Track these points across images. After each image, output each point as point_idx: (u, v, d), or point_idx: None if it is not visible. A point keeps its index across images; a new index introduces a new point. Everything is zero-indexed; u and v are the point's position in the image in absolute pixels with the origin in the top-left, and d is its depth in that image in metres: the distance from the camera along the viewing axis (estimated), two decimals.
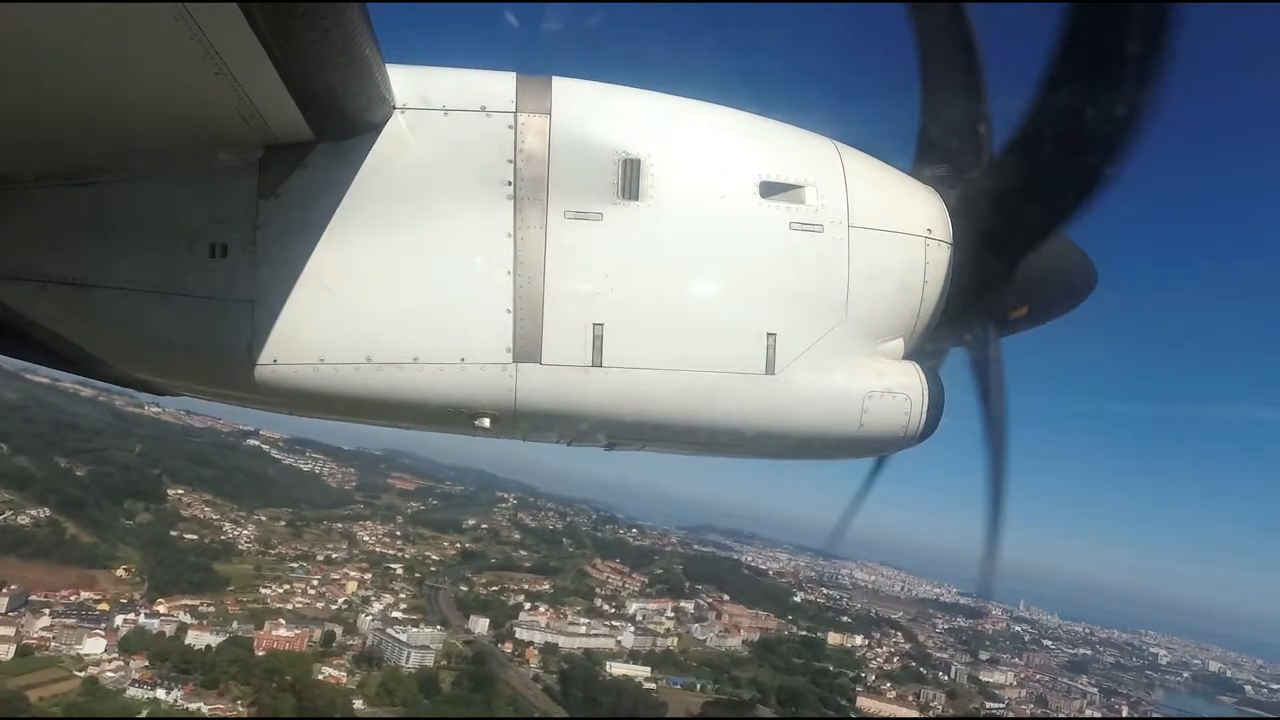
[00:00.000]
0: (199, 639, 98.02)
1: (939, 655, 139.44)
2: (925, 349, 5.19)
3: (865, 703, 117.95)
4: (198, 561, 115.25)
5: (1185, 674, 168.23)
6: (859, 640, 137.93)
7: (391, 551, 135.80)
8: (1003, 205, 5.03)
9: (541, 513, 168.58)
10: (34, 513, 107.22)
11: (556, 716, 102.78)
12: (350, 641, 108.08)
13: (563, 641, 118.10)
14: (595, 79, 4.79)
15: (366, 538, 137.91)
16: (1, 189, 4.32)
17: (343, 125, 4.23)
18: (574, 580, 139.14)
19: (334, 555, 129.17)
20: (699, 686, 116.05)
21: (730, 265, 4.64)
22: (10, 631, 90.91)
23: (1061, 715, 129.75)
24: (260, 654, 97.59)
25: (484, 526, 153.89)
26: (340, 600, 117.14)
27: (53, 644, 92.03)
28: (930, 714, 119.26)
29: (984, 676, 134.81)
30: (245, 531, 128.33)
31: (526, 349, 4.40)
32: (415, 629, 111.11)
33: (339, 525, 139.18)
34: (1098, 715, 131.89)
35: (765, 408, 4.68)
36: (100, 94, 3.71)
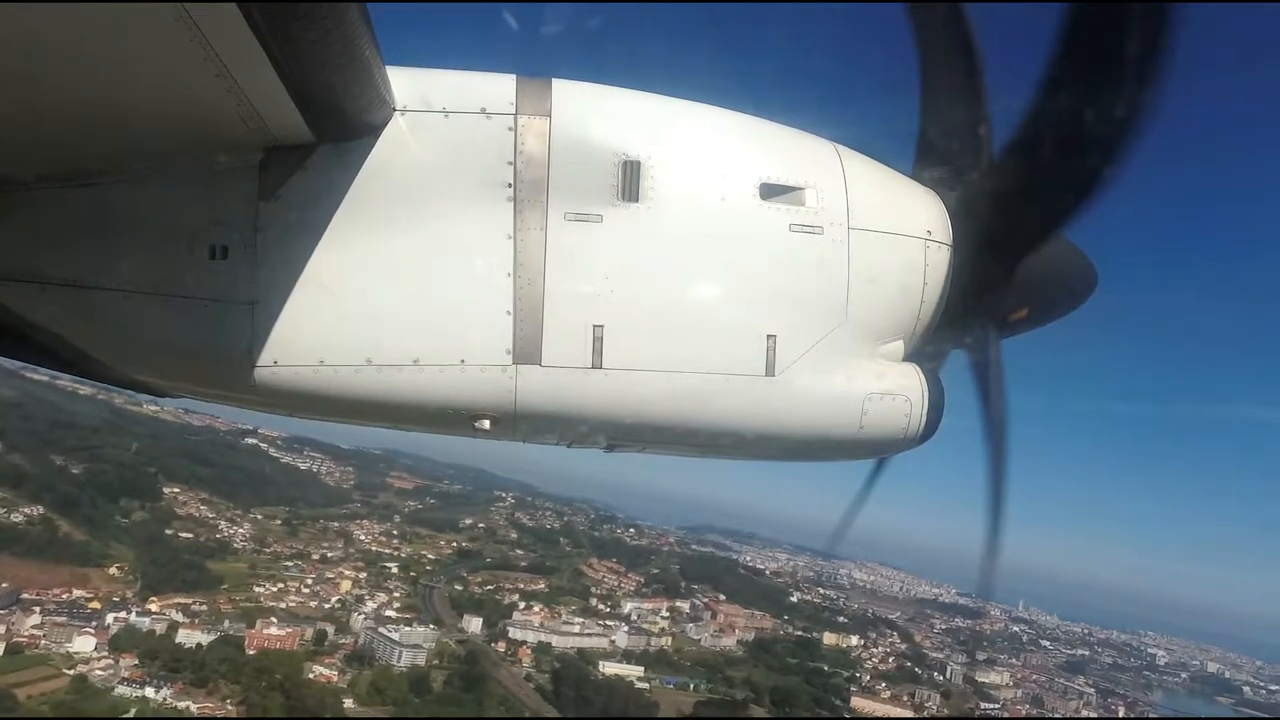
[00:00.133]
0: (190, 637, 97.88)
1: (935, 655, 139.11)
2: (925, 351, 5.19)
3: (859, 703, 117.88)
4: (191, 560, 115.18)
5: (1183, 675, 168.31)
6: (854, 640, 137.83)
7: (387, 550, 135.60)
8: (1002, 207, 5.02)
9: (539, 512, 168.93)
10: (27, 510, 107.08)
11: (546, 716, 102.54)
12: (342, 640, 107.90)
13: (556, 641, 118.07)
14: (595, 81, 4.79)
15: (363, 537, 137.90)
16: (2, 190, 4.32)
17: (343, 127, 4.23)
18: (570, 580, 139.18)
19: (329, 554, 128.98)
20: (692, 686, 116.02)
21: (730, 267, 4.65)
22: (0, 630, 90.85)
23: (1057, 715, 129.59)
24: (251, 653, 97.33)
25: (481, 526, 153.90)
26: (334, 599, 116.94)
27: (42, 642, 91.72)
28: (924, 714, 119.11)
29: (980, 677, 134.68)
30: (241, 530, 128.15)
31: (526, 351, 4.41)
32: (408, 628, 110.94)
33: (335, 524, 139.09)
34: (1094, 715, 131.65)
35: (765, 410, 4.69)
36: (100, 95, 3.72)
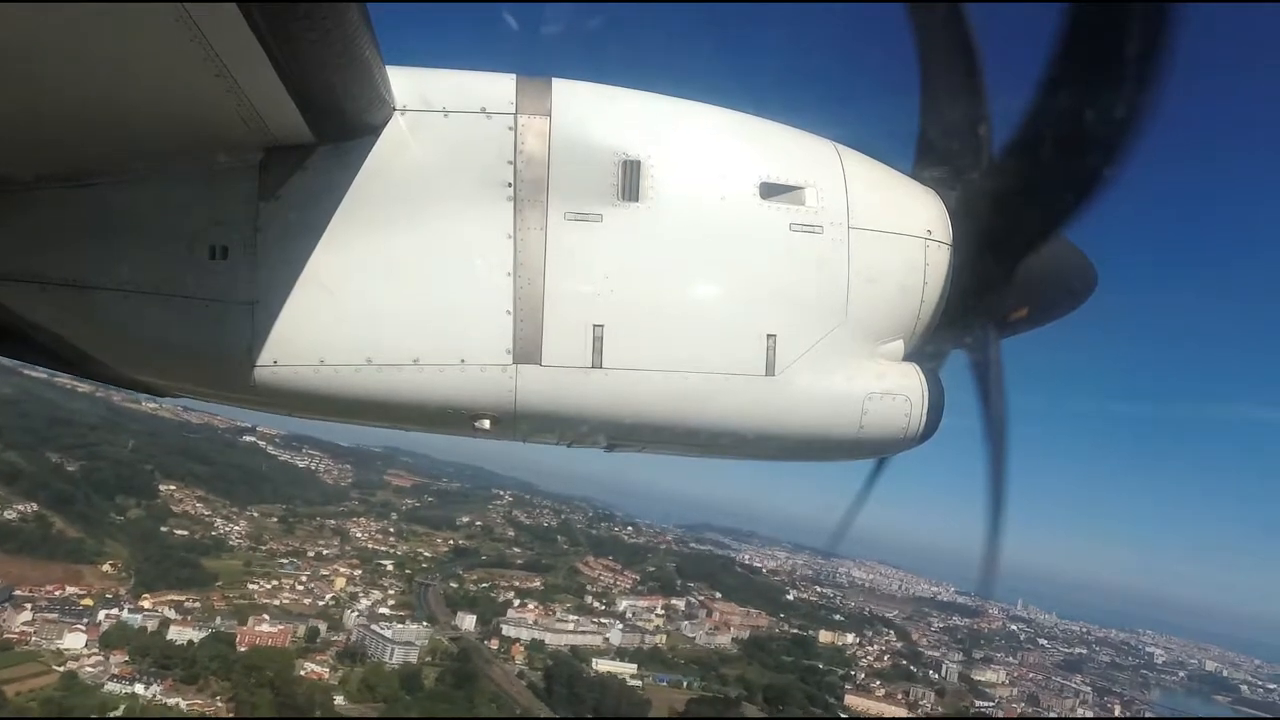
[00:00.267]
0: (181, 634, 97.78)
1: (931, 654, 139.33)
2: (925, 350, 5.19)
3: (853, 700, 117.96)
4: (186, 557, 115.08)
5: (1181, 673, 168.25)
6: (850, 638, 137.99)
7: (383, 548, 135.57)
8: (1003, 207, 5.02)
9: (537, 510, 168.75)
10: (21, 507, 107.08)
11: (537, 714, 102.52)
12: (334, 637, 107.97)
13: (549, 638, 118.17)
14: (595, 80, 4.79)
15: (359, 534, 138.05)
16: (2, 190, 4.32)
17: (343, 127, 4.23)
18: (565, 577, 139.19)
19: (325, 552, 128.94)
20: (685, 684, 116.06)
21: (730, 267, 4.65)
22: None
23: (1051, 714, 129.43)
24: (242, 649, 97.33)
25: (478, 523, 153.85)
26: (328, 596, 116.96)
27: (33, 639, 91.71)
28: (918, 712, 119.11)
29: (975, 675, 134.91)
30: (237, 527, 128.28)
31: (526, 350, 4.41)
32: (401, 625, 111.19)
33: (332, 522, 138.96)
34: (1089, 714, 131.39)
35: (765, 409, 4.69)
36: (100, 96, 3.72)
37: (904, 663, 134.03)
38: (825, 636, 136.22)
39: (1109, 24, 4.34)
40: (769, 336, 4.61)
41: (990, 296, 5.21)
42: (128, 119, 3.98)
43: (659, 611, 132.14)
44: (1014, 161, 4.96)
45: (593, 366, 4.44)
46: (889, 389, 4.86)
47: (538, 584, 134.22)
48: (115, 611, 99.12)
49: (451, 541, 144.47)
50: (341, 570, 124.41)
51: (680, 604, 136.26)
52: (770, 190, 4.69)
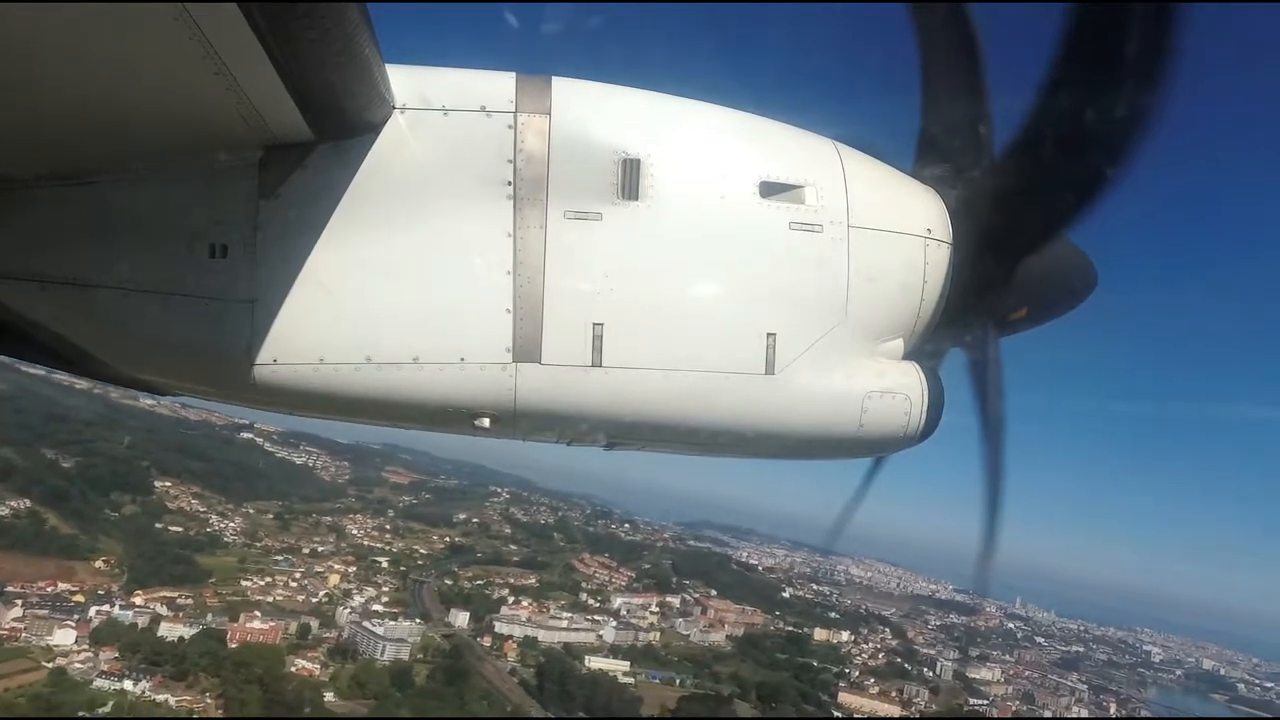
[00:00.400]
0: (172, 631, 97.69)
1: (926, 651, 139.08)
2: (925, 349, 5.19)
3: (846, 698, 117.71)
4: (180, 554, 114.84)
5: (1178, 671, 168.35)
6: (845, 636, 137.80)
7: (379, 545, 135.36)
8: (1004, 207, 5.03)
9: (534, 508, 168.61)
10: (14, 504, 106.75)
11: (526, 713, 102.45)
12: (326, 634, 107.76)
13: (543, 635, 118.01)
14: (595, 79, 4.81)
15: (355, 531, 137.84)
16: (2, 189, 4.34)
17: (342, 125, 4.25)
18: (561, 575, 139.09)
19: (320, 549, 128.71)
20: (678, 681, 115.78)
21: (730, 265, 4.66)
22: None
23: (1046, 712, 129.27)
24: (233, 646, 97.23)
25: (475, 521, 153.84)
26: (321, 593, 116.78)
27: (23, 635, 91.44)
28: (912, 710, 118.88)
29: (971, 673, 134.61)
30: (232, 524, 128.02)
31: (526, 349, 4.43)
32: (393, 622, 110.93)
33: (328, 519, 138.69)
34: (1084, 712, 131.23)
35: (765, 408, 4.71)
36: (100, 94, 3.74)
37: (899, 660, 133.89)
38: (820, 634, 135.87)
39: (1113, 24, 4.31)
40: (769, 335, 4.62)
41: (990, 296, 5.22)
42: (127, 117, 3.98)
43: (653, 609, 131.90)
44: (1017, 162, 4.96)
45: (592, 365, 4.46)
46: (889, 387, 4.87)
47: (533, 581, 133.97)
48: (106, 608, 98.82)
49: (448, 539, 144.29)
50: (336, 567, 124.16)
51: (675, 601, 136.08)
52: (770, 189, 4.70)
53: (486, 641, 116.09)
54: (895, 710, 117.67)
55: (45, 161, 4.32)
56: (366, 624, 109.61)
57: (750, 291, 4.66)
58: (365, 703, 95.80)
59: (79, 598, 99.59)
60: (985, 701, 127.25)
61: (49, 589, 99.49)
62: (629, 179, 4.52)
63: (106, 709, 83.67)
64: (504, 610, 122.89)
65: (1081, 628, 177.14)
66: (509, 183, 4.44)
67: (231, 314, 4.34)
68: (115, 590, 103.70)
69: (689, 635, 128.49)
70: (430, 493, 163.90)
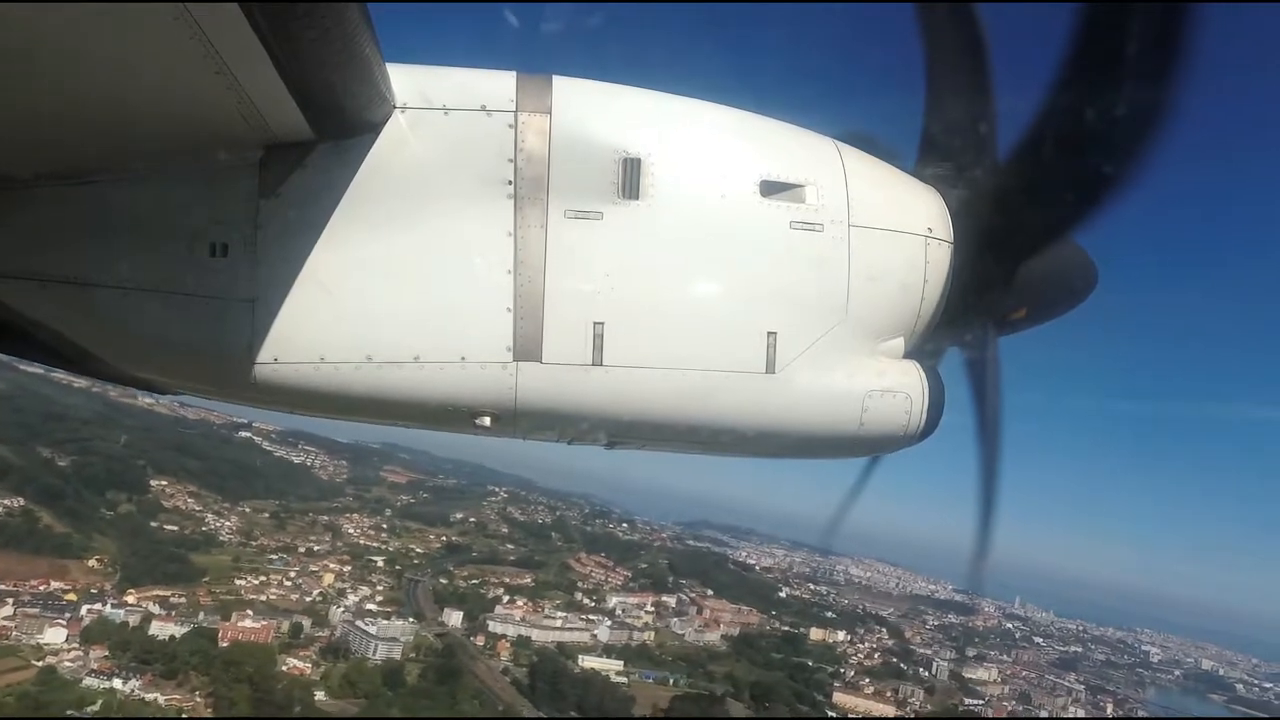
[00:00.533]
0: (163, 630, 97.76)
1: (923, 651, 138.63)
2: (925, 348, 5.21)
3: (841, 698, 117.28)
4: (174, 552, 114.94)
5: (1176, 672, 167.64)
6: (841, 636, 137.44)
7: (375, 544, 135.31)
8: (1008, 208, 5.04)
9: (532, 507, 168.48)
10: (8, 502, 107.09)
11: (518, 712, 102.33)
12: (319, 633, 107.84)
13: (536, 635, 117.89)
14: (596, 78, 4.83)
15: (351, 530, 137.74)
16: (2, 188, 4.35)
17: (343, 125, 4.26)
18: (557, 574, 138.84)
19: (316, 548, 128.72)
20: (672, 681, 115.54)
21: (730, 265, 4.68)
22: None
23: (1042, 712, 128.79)
24: (224, 645, 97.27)
25: (472, 520, 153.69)
26: (315, 592, 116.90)
27: (13, 634, 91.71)
28: (907, 710, 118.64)
29: (967, 673, 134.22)
30: (228, 523, 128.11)
31: (527, 348, 4.44)
32: (386, 621, 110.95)
33: (324, 518, 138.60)
34: (1081, 713, 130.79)
35: (765, 407, 4.72)
36: (100, 93, 3.75)
37: (894, 660, 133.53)
38: (816, 634, 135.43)
39: (1124, 25, 4.26)
40: (769, 334, 4.63)
41: (991, 295, 5.22)
42: (128, 117, 4.00)
43: (649, 608, 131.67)
44: (1021, 163, 4.96)
45: (593, 364, 4.47)
46: (889, 386, 4.88)
47: (528, 580, 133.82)
48: (98, 607, 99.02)
49: (444, 538, 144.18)
50: (331, 566, 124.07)
51: (671, 601, 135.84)
52: (771, 188, 4.71)
53: (480, 641, 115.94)
54: (890, 710, 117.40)
55: (46, 161, 4.32)
56: (359, 623, 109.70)
57: (751, 290, 4.67)
58: (356, 702, 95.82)
59: (71, 596, 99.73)
60: (981, 701, 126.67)
61: (41, 587, 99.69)
62: (630, 178, 4.54)
63: (95, 707, 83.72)
64: (498, 610, 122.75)
65: (1080, 628, 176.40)
66: (510, 182, 4.45)
67: (232, 313, 4.35)
68: (108, 589, 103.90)
69: (684, 635, 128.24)
70: (428, 492, 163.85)
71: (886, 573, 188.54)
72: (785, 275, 4.70)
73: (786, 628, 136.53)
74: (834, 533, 7.19)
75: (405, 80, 4.37)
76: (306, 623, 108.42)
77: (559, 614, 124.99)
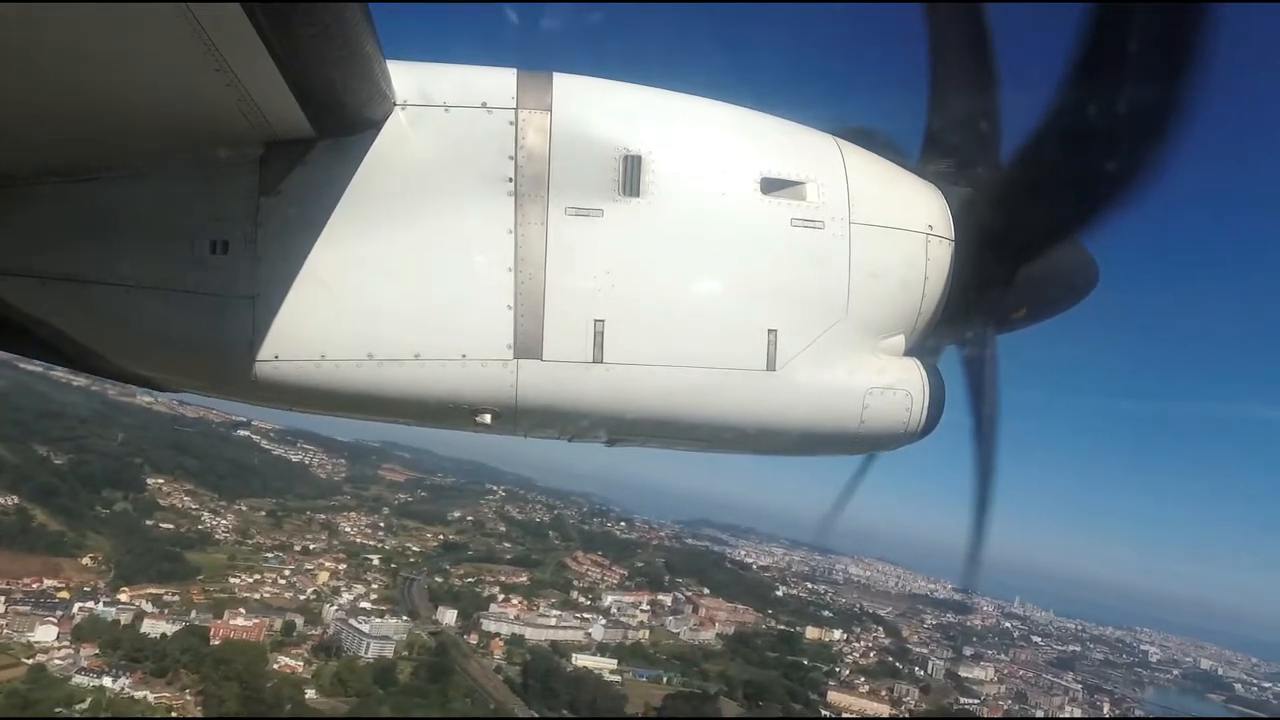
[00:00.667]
0: (155, 628, 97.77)
1: (919, 650, 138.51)
2: (925, 345, 5.20)
3: (835, 697, 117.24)
4: (169, 551, 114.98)
5: (1175, 671, 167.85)
6: (838, 634, 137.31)
7: (371, 543, 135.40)
8: (1012, 208, 5.04)
9: (530, 505, 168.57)
10: (1, 500, 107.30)
11: (510, 711, 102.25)
12: (311, 631, 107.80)
13: (530, 633, 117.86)
14: (596, 75, 4.82)
15: (348, 529, 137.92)
16: (2, 186, 4.34)
17: (343, 122, 4.25)
18: (553, 573, 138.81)
19: (312, 546, 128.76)
20: (665, 679, 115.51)
21: (731, 262, 4.68)
22: None
23: (1038, 712, 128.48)
24: (215, 643, 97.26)
25: (469, 519, 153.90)
26: (309, 590, 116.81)
27: (4, 631, 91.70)
28: (901, 709, 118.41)
29: (963, 672, 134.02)
30: (223, 521, 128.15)
31: (528, 345, 4.44)
32: (379, 620, 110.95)
33: (321, 516, 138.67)
34: (1077, 712, 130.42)
35: (766, 404, 4.72)
36: (101, 91, 3.74)
37: (890, 659, 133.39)
38: (812, 633, 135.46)
39: (1136, 25, 4.23)
40: (770, 331, 4.62)
41: (992, 293, 5.20)
42: (128, 114, 3.98)
43: (644, 607, 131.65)
44: (1026, 163, 4.97)
45: (594, 361, 4.47)
46: (890, 384, 4.88)
47: (524, 579, 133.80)
48: (90, 605, 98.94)
49: (442, 536, 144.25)
50: (326, 564, 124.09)
51: (667, 599, 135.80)
52: (771, 185, 4.70)
53: (473, 639, 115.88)
54: (884, 709, 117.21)
55: (46, 158, 4.32)
56: (352, 621, 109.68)
57: (751, 288, 4.66)
58: (347, 700, 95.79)
59: (63, 594, 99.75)
60: (976, 701, 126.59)
61: (34, 585, 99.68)
62: (630, 175, 4.53)
63: (84, 705, 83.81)
64: (492, 608, 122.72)
65: (1079, 627, 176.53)
66: (510, 179, 4.44)
67: (233, 310, 4.34)
68: (101, 587, 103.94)
69: (679, 633, 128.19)
70: (426, 490, 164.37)
71: (886, 571, 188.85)
72: (786, 272, 4.68)
73: (783, 626, 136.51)
74: (828, 530, 7.22)
75: (406, 77, 4.36)
76: (299, 621, 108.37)
77: (554, 612, 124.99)
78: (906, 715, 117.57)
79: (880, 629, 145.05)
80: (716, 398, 4.66)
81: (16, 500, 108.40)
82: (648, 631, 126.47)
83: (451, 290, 4.44)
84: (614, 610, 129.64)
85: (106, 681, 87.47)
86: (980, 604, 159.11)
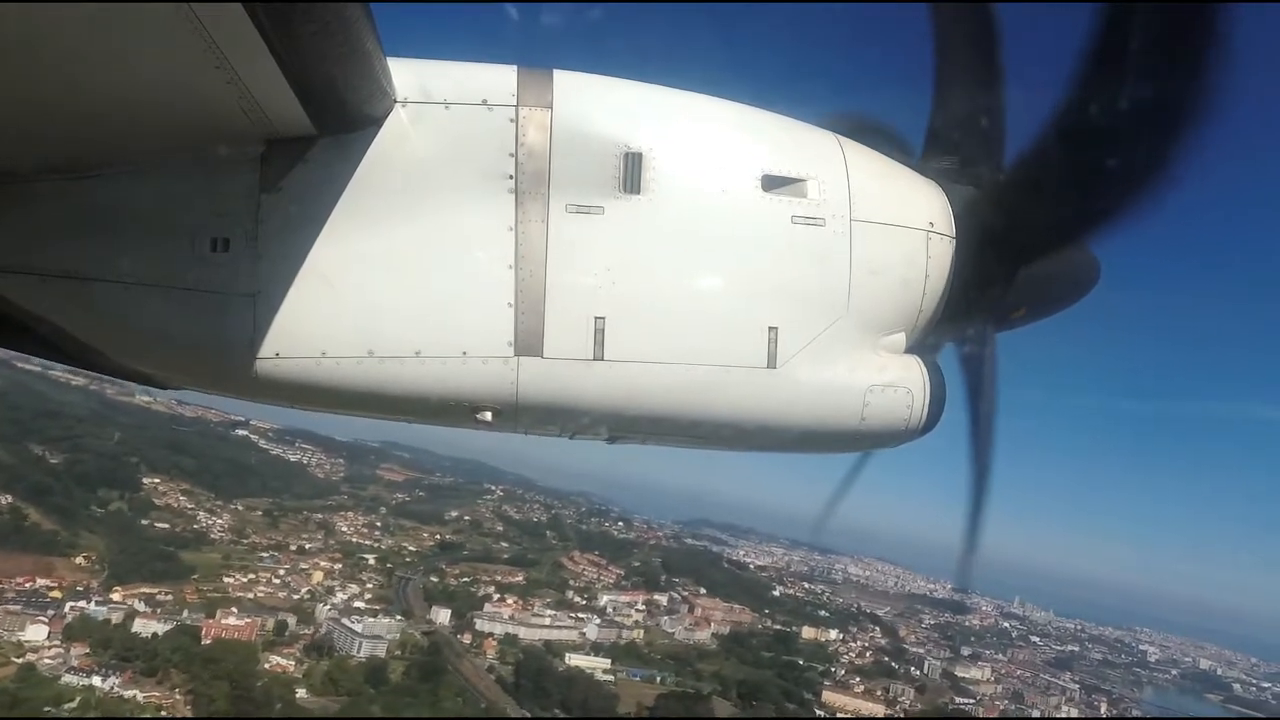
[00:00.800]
0: (146, 627, 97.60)
1: (915, 650, 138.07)
2: (925, 343, 5.21)
3: (830, 697, 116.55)
4: (164, 550, 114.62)
5: (1173, 671, 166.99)
6: (834, 634, 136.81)
7: (368, 542, 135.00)
8: (1014, 206, 5.04)
9: (528, 505, 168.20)
10: None
11: (501, 710, 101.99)
12: (304, 631, 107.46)
13: (524, 633, 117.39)
14: (597, 72, 4.85)
15: (345, 528, 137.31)
16: (2, 183, 4.36)
17: (344, 119, 4.27)
18: (549, 572, 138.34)
19: (308, 546, 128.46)
20: (659, 679, 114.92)
21: (732, 259, 4.69)
22: None
23: (1035, 712, 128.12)
24: (206, 642, 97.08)
25: (467, 518, 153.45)
26: (304, 590, 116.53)
27: None
28: (896, 709, 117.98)
29: (960, 672, 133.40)
30: (220, 521, 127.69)
31: (528, 342, 4.46)
32: (372, 619, 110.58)
33: (318, 516, 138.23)
34: (1074, 712, 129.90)
35: (767, 402, 4.74)
36: (102, 88, 3.76)
37: (886, 659, 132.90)
38: (808, 632, 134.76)
39: (1145, 26, 4.23)
40: (770, 329, 4.64)
41: (993, 291, 5.20)
42: (129, 111, 4.00)
43: (639, 606, 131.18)
44: (1030, 162, 4.96)
45: (594, 359, 4.48)
46: (891, 381, 4.89)
47: (520, 578, 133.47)
48: (83, 604, 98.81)
49: (438, 536, 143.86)
50: (321, 564, 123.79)
51: (663, 599, 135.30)
52: (772, 182, 4.71)
53: (467, 639, 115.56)
54: (879, 709, 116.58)
55: (47, 155, 4.33)
56: (345, 621, 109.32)
57: (752, 285, 4.67)
58: (338, 699, 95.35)
59: (56, 594, 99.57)
60: (972, 700, 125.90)
61: (26, 585, 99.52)
62: (631, 172, 4.54)
63: (73, 705, 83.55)
64: (486, 608, 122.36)
65: (1078, 627, 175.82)
66: (511, 176, 4.46)
67: (233, 308, 4.36)
68: (94, 586, 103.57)
69: (673, 633, 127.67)
70: (424, 490, 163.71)
71: (885, 571, 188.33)
72: (787, 270, 4.69)
73: (779, 626, 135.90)
74: (824, 527, 7.28)
75: (406, 74, 4.37)
76: (292, 620, 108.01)
77: (548, 612, 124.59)
78: (901, 715, 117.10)
79: (877, 629, 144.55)
80: (717, 395, 4.66)
81: (10, 500, 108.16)
82: (642, 631, 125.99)
83: (452, 287, 4.46)
84: (609, 610, 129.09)
85: (96, 681, 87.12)
86: (979, 604, 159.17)
